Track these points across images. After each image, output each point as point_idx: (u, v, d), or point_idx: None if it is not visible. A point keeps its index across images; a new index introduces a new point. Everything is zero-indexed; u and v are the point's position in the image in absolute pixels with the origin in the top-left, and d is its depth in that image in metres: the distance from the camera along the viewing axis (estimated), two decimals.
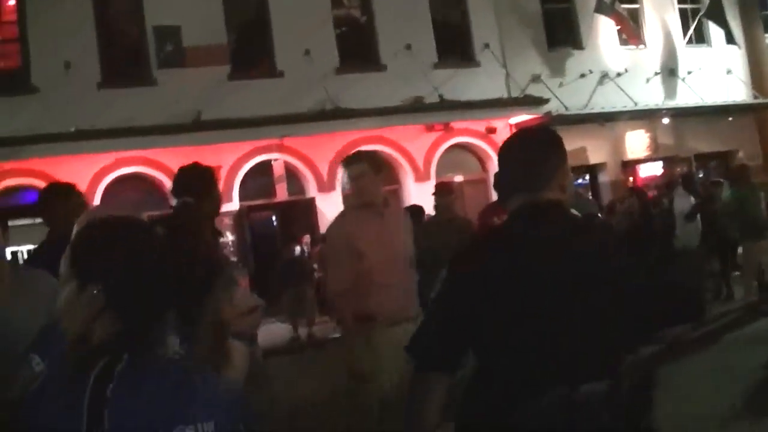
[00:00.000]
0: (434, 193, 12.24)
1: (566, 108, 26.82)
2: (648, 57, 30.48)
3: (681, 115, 29.50)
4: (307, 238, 22.72)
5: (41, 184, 22.40)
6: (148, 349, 2.57)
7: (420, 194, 24.78)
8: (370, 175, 7.02)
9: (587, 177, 28.94)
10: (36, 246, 4.78)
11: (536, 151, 3.54)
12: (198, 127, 23.40)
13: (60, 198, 6.10)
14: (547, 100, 26.81)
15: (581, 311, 3.21)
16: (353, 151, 8.35)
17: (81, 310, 2.54)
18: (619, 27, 29.85)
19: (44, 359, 3.23)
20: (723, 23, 31.04)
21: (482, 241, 3.53)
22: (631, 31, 29.68)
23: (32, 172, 22.49)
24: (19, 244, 20.00)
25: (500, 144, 3.76)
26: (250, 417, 2.69)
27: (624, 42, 30.22)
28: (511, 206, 3.43)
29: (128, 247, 2.59)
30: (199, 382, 2.58)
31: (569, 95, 27.30)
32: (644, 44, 30.58)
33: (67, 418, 2.37)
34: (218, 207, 7.11)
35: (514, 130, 26.35)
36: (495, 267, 3.27)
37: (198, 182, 6.93)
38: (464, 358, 3.36)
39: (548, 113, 26.53)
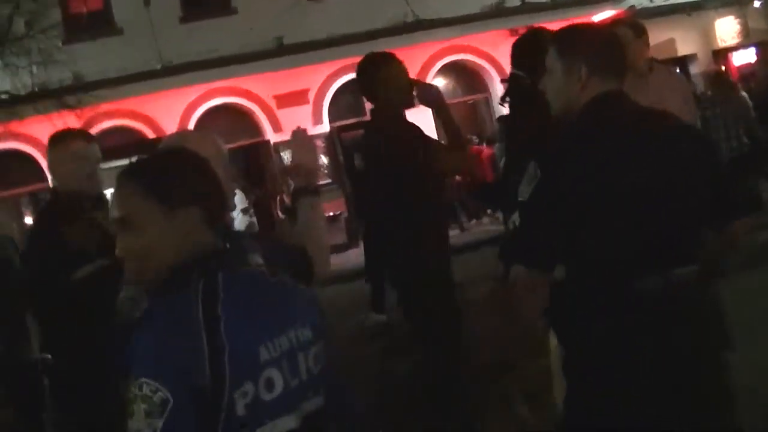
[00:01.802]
0: (503, 80, 12.13)
1: (651, 1, 26.27)
2: None
3: None
4: None
5: (134, 123, 22.79)
6: (240, 264, 2.65)
7: None
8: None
9: (678, 69, 28.37)
10: None
11: (618, 45, 3.55)
12: (281, 51, 23.50)
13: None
14: None
15: (671, 196, 3.25)
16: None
17: (179, 234, 2.56)
18: None
19: None
20: None
21: (570, 132, 3.48)
22: None
23: (124, 113, 22.84)
24: None
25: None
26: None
27: None
28: (587, 96, 3.40)
29: (197, 164, 2.68)
30: (293, 289, 2.71)
31: None
32: None
33: (181, 342, 2.39)
34: None
35: None
36: (586, 158, 3.29)
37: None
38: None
39: (632, 7, 26.02)
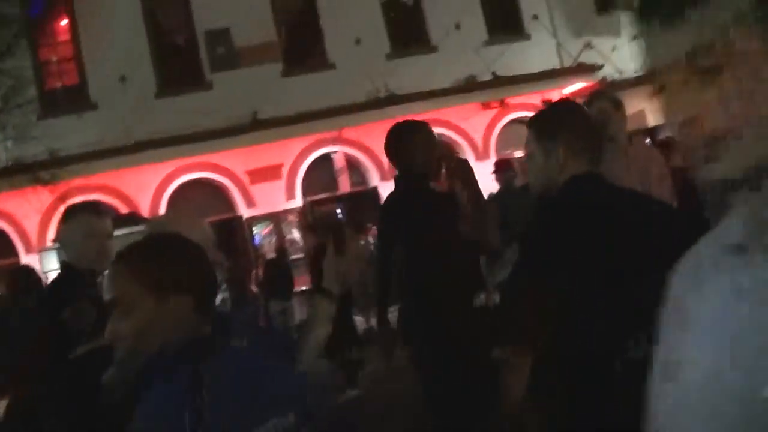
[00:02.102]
0: (493, 171, 12.24)
1: (620, 72, 26.60)
2: None
3: None
4: (374, 230, 22.79)
5: (107, 198, 22.79)
6: (226, 349, 2.67)
7: (481, 173, 24.79)
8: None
9: (648, 140, 28.62)
10: None
11: (593, 128, 3.66)
12: (255, 126, 23.60)
13: None
14: (600, 66, 26.61)
15: (649, 273, 3.30)
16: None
17: (167, 320, 2.61)
18: None
19: None
20: None
21: (548, 213, 3.56)
22: None
23: (98, 187, 22.85)
24: None
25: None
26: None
27: None
28: (564, 177, 3.48)
29: (189, 252, 2.71)
30: (280, 373, 2.74)
31: (622, 59, 27.04)
32: None
33: (168, 426, 2.46)
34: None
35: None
36: (565, 238, 3.35)
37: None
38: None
39: (603, 79, 26.34)
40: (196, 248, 2.72)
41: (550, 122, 3.64)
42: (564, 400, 3.38)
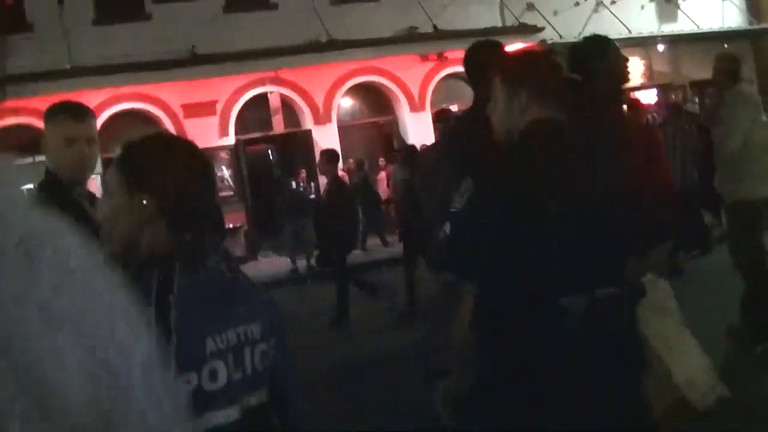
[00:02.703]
0: (434, 120, 12.33)
1: (561, 36, 26.73)
2: None
3: (676, 42, 29.46)
4: (303, 173, 22.89)
5: (39, 123, 22.45)
6: (199, 261, 2.73)
7: (416, 124, 24.92)
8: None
9: None
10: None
11: (561, 75, 3.69)
12: (193, 61, 23.44)
13: None
14: (541, 29, 26.67)
15: (594, 220, 3.42)
16: None
17: (130, 218, 2.71)
18: None
19: None
20: None
21: (505, 152, 3.63)
22: None
23: (30, 111, 22.55)
24: (19, 185, 20.08)
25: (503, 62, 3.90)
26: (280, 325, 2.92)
27: None
28: (525, 121, 3.54)
29: (181, 160, 2.75)
30: (247, 288, 2.83)
31: (564, 23, 27.17)
32: None
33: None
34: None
35: None
36: (518, 178, 3.43)
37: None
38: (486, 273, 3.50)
39: (543, 41, 26.45)
40: (185, 158, 2.78)
41: (515, 66, 3.70)
42: (504, 337, 3.47)
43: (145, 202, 2.67)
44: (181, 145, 2.87)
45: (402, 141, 25.71)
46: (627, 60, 5.85)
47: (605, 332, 3.37)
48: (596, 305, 3.34)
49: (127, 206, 2.71)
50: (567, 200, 3.41)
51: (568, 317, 3.32)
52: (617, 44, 5.95)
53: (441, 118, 12.29)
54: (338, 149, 25.11)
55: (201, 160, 2.83)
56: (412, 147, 15.29)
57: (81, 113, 4.55)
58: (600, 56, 5.52)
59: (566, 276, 3.36)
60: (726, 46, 28.43)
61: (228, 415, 2.61)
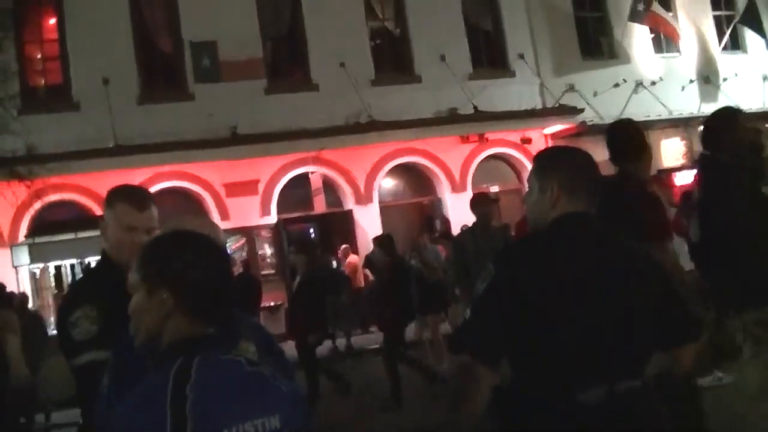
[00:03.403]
0: (472, 204, 12.29)
1: (601, 117, 26.76)
2: (683, 64, 30.39)
3: None
4: (340, 250, 22.93)
5: (82, 198, 22.77)
6: (223, 350, 2.76)
7: (457, 206, 24.92)
8: None
9: None
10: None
11: (592, 170, 3.75)
12: (235, 141, 23.70)
13: None
14: (581, 110, 26.82)
15: (616, 313, 3.42)
16: None
17: (152, 313, 2.78)
18: (655, 29, 29.72)
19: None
20: (759, 29, 30.96)
21: (527, 241, 3.67)
22: (670, 27, 29.46)
23: (74, 187, 22.83)
24: (60, 259, 20.26)
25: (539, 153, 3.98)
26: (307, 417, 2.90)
27: (659, 50, 30.24)
28: (555, 214, 3.60)
29: (198, 256, 2.78)
30: (266, 378, 2.80)
31: (604, 104, 27.22)
32: (679, 51, 30.54)
33: (150, 414, 2.56)
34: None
35: (549, 141, 26.44)
36: (538, 266, 3.45)
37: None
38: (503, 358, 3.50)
39: (583, 123, 26.55)
40: (203, 250, 2.82)
41: (548, 160, 3.80)
42: (524, 427, 3.46)
43: (165, 297, 2.74)
44: (198, 241, 2.90)
45: (445, 222, 25.80)
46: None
47: (627, 425, 3.36)
48: (615, 398, 3.35)
49: (148, 302, 2.78)
50: (585, 293, 3.42)
51: (585, 411, 3.32)
52: (658, 125, 6.22)
53: (476, 203, 12.28)
54: (380, 228, 25.29)
55: (218, 253, 2.88)
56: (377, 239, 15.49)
57: (143, 202, 4.43)
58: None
59: (585, 368, 3.37)
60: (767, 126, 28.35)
61: None
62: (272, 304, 21.45)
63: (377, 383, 13.63)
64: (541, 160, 3.82)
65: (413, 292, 16.80)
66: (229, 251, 23.66)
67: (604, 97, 27.68)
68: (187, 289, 2.73)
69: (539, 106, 27.58)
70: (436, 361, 15.33)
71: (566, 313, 3.37)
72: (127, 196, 4.46)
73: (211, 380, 2.65)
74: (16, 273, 20.52)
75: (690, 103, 29.55)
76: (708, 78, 30.50)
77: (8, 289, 20.48)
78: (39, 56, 24.45)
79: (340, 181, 26.07)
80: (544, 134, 27.42)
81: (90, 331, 4.02)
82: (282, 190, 25.57)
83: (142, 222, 4.33)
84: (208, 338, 2.75)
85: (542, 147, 26.57)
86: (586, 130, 26.40)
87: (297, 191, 25.77)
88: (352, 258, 23.73)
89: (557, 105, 27.30)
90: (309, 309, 13.62)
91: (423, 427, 10.06)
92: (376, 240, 15.46)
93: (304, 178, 25.59)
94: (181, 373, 2.63)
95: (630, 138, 6.43)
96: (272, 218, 25.27)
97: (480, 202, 12.23)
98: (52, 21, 24.43)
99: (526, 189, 3.83)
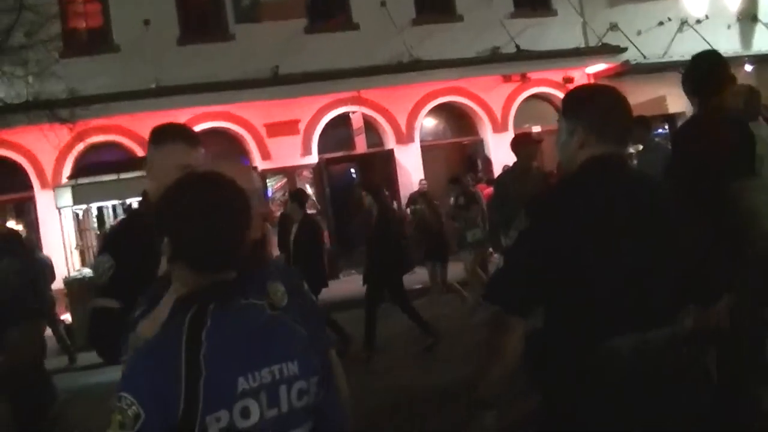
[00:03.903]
0: (513, 144, 12.05)
1: (644, 57, 26.50)
2: (729, 3, 29.87)
3: (763, 61, 28.95)
4: (385, 192, 22.87)
5: (124, 140, 22.91)
6: (233, 298, 2.75)
7: (498, 146, 24.82)
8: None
9: (666, 126, 28.44)
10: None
11: (622, 109, 3.66)
12: (276, 81, 23.69)
13: None
14: (624, 49, 26.50)
15: (651, 260, 3.38)
16: None
17: (164, 258, 2.81)
18: None
19: None
20: None
21: (560, 187, 3.64)
22: None
23: (116, 129, 22.96)
24: (102, 200, 20.39)
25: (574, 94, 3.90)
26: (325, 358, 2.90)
27: None
28: (583, 156, 3.56)
29: (195, 203, 2.73)
30: (286, 323, 2.83)
31: (647, 43, 26.92)
32: None
33: (164, 361, 2.57)
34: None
35: (591, 80, 26.20)
36: (572, 212, 3.41)
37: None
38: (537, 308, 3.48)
39: (626, 62, 26.28)
40: (203, 199, 2.74)
41: (576, 102, 3.73)
42: (555, 374, 3.47)
43: (164, 244, 2.75)
44: (201, 189, 2.78)
45: (486, 162, 25.73)
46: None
47: (658, 373, 3.35)
48: (645, 345, 3.33)
49: (159, 246, 2.77)
50: (618, 240, 3.38)
51: (617, 357, 3.31)
52: None
53: (518, 143, 12.01)
54: (421, 169, 25.24)
55: (222, 202, 2.74)
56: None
57: (195, 139, 4.27)
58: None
59: (616, 314, 3.35)
60: None
61: None
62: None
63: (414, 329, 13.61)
64: (569, 100, 3.77)
65: (417, 239, 16.85)
66: (270, 192, 23.84)
67: (647, 36, 27.34)
68: (182, 241, 2.71)
69: (582, 45, 27.30)
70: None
71: (596, 259, 3.34)
72: (178, 133, 4.29)
73: (228, 326, 2.65)
74: (59, 214, 20.69)
75: (736, 42, 29.12)
76: (755, 16, 30.00)
77: (52, 230, 20.82)
78: None
79: (380, 120, 26.04)
80: (586, 73, 27.17)
81: (102, 279, 4.03)
82: (323, 130, 25.61)
83: (196, 160, 4.14)
84: (221, 286, 2.74)
85: (578, 89, 26.38)
86: (629, 69, 26.16)
87: (338, 131, 25.81)
88: None
89: (600, 44, 26.98)
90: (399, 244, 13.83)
91: (454, 382, 10.00)
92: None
93: (344, 118, 25.56)
94: (195, 320, 2.64)
95: (711, 70, 6.27)
96: (313, 158, 25.33)
97: (522, 143, 11.96)
98: None
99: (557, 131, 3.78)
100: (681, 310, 3.52)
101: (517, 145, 11.87)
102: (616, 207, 3.41)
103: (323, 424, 2.87)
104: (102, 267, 4.06)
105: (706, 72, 6.20)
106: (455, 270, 16.77)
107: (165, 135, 4.26)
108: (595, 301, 3.35)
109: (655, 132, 23.79)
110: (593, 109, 3.61)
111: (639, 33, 27.22)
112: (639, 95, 25.44)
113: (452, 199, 16.93)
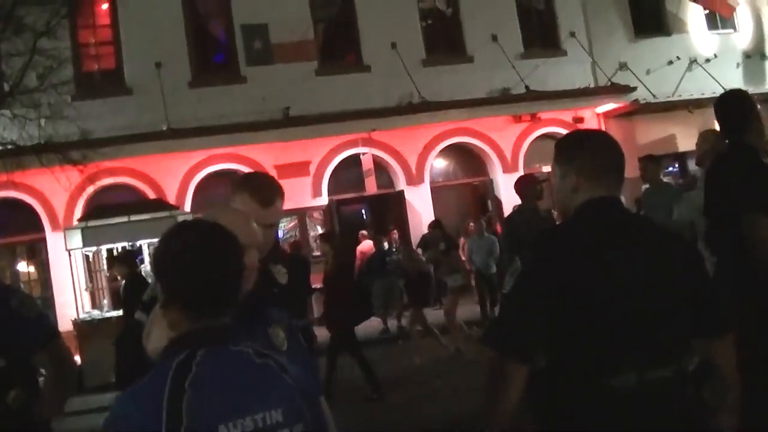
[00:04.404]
0: (517, 186, 12.06)
1: (654, 95, 26.56)
2: (738, 41, 29.99)
3: None
4: (395, 233, 22.91)
5: (135, 182, 23.01)
6: (222, 343, 2.75)
7: (509, 186, 24.81)
8: None
9: (676, 165, 28.47)
10: None
11: (612, 153, 3.67)
12: (287, 122, 23.85)
13: None
14: (634, 88, 26.56)
15: (652, 300, 3.38)
16: None
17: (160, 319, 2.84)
18: (707, 10, 29.37)
19: None
20: None
21: (553, 231, 3.65)
22: (724, 4, 29.04)
23: (127, 171, 23.07)
24: (112, 242, 20.43)
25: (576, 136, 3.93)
26: (314, 405, 2.91)
27: (713, 26, 29.81)
28: (579, 200, 3.57)
29: (189, 249, 2.74)
30: (273, 370, 2.80)
31: (657, 82, 27.00)
32: (734, 28, 30.14)
33: (147, 408, 2.57)
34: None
35: (601, 120, 26.25)
36: (566, 255, 3.41)
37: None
38: (538, 352, 3.47)
39: (636, 101, 26.34)
40: (196, 243, 2.76)
41: (566, 147, 3.74)
42: (559, 415, 3.47)
43: (161, 288, 2.78)
44: (197, 233, 2.82)
45: (496, 203, 25.75)
46: None
47: (657, 413, 3.34)
48: (646, 385, 3.32)
49: (158, 291, 2.83)
50: (618, 280, 3.37)
51: (616, 396, 3.31)
52: (712, 104, 6.03)
53: (522, 185, 12.00)
54: (431, 209, 25.27)
55: (214, 245, 2.78)
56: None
57: (268, 198, 4.33)
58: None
59: (616, 354, 3.35)
60: None
61: None
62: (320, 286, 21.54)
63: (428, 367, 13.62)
64: (561, 146, 3.77)
65: (396, 285, 16.86)
66: (281, 233, 23.86)
67: (657, 74, 27.42)
68: (176, 284, 2.73)
69: (591, 85, 27.37)
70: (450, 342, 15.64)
71: (595, 301, 3.33)
72: (253, 189, 4.34)
73: (213, 374, 2.65)
74: (70, 256, 20.72)
75: (745, 81, 29.15)
76: (763, 55, 30.09)
77: (62, 271, 20.88)
78: (92, 42, 24.67)
79: (391, 162, 26.09)
80: (596, 113, 27.23)
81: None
82: (333, 171, 25.66)
83: (263, 218, 4.16)
84: (212, 331, 2.75)
85: (595, 126, 26.51)
86: (639, 108, 26.23)
87: (348, 172, 25.84)
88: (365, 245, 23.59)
89: (609, 83, 27.06)
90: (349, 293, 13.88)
91: (460, 419, 10.02)
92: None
93: (355, 159, 25.61)
94: (181, 366, 2.64)
95: (740, 108, 6.25)
96: (324, 199, 25.37)
97: (525, 184, 11.99)
98: (105, 6, 24.68)
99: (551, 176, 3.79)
100: (686, 348, 3.52)
101: (521, 186, 11.89)
102: (614, 248, 3.42)
103: None
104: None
105: (741, 109, 6.22)
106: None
107: (242, 186, 4.40)
108: (596, 341, 3.34)
109: (666, 170, 23.81)
110: (584, 154, 3.62)
111: (648, 72, 27.31)
112: (649, 134, 25.56)
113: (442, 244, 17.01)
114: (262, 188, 4.39)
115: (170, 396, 2.56)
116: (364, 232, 24.21)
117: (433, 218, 24.74)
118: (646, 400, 3.31)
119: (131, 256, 15.17)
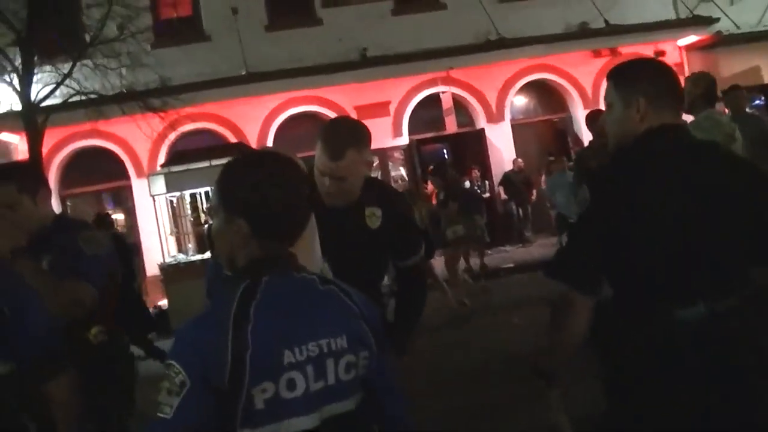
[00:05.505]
0: (588, 121, 11.92)
1: (737, 26, 25.98)
2: None
3: None
4: (476, 172, 22.84)
5: (215, 127, 23.20)
6: (286, 271, 2.80)
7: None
8: None
9: (762, 97, 27.85)
10: None
11: (673, 76, 3.62)
12: (364, 63, 23.80)
13: None
14: (717, 19, 25.98)
15: (714, 228, 3.35)
16: None
17: (229, 238, 2.83)
18: None
19: None
20: None
21: (618, 161, 3.60)
22: None
23: (207, 116, 23.27)
24: (194, 187, 20.63)
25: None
26: (379, 334, 2.93)
27: None
28: (641, 128, 3.51)
29: (263, 177, 2.79)
30: (338, 297, 2.86)
31: (740, 13, 26.32)
32: None
33: (215, 334, 2.61)
34: None
35: (683, 52, 25.78)
36: (633, 184, 3.39)
37: None
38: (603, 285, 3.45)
39: (718, 33, 25.79)
40: (272, 172, 2.81)
41: (632, 73, 3.65)
42: (624, 348, 3.47)
43: (239, 223, 2.77)
44: (267, 164, 2.88)
45: (576, 140, 25.49)
46: None
47: (725, 344, 3.31)
48: (714, 316, 3.29)
49: (225, 228, 2.82)
50: (682, 208, 3.34)
51: (685, 329, 3.29)
52: None
53: (592, 120, 11.83)
54: (512, 147, 25.15)
55: (288, 175, 2.85)
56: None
57: (337, 152, 4.42)
58: None
59: (683, 285, 3.32)
60: None
61: (305, 422, 2.66)
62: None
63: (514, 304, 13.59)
64: (621, 72, 3.68)
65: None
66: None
67: (740, 5, 26.73)
68: (255, 214, 2.75)
69: (672, 17, 26.83)
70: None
71: (663, 230, 3.31)
72: (324, 140, 4.49)
73: (278, 300, 2.70)
74: (154, 202, 21.00)
75: None
76: None
77: (148, 217, 21.21)
78: None
79: (470, 100, 25.94)
80: (678, 46, 26.72)
81: None
82: (413, 110, 25.60)
83: (332, 171, 4.41)
84: (279, 258, 2.80)
85: (677, 59, 26.08)
86: (722, 40, 25.66)
87: (428, 112, 25.74)
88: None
89: (691, 15, 26.51)
90: None
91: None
92: None
93: (434, 98, 25.51)
94: (247, 293, 2.69)
95: None
96: (404, 139, 25.36)
97: (594, 119, 11.84)
98: None
99: (605, 107, 3.72)
100: (750, 278, 3.45)
101: (591, 121, 11.76)
102: (683, 176, 3.38)
103: (377, 395, 2.93)
104: None
105: None
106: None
107: (320, 135, 4.55)
108: (661, 271, 3.33)
109: (751, 103, 23.34)
110: (650, 78, 3.57)
111: (732, 2, 26.67)
112: (733, 66, 24.98)
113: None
114: (332, 140, 4.46)
115: (235, 322, 2.60)
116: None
117: (514, 156, 24.81)
118: (715, 329, 3.28)
119: None
